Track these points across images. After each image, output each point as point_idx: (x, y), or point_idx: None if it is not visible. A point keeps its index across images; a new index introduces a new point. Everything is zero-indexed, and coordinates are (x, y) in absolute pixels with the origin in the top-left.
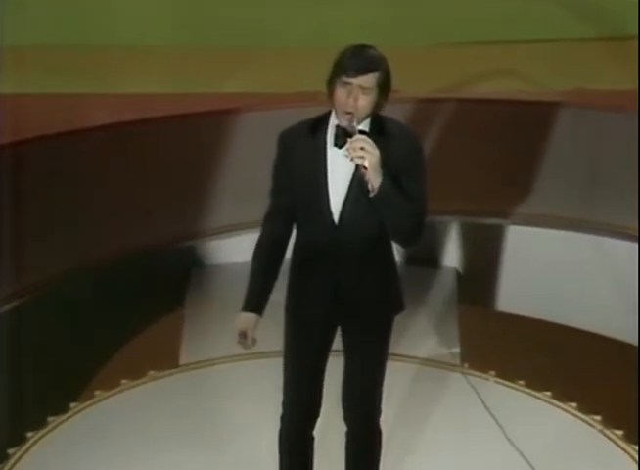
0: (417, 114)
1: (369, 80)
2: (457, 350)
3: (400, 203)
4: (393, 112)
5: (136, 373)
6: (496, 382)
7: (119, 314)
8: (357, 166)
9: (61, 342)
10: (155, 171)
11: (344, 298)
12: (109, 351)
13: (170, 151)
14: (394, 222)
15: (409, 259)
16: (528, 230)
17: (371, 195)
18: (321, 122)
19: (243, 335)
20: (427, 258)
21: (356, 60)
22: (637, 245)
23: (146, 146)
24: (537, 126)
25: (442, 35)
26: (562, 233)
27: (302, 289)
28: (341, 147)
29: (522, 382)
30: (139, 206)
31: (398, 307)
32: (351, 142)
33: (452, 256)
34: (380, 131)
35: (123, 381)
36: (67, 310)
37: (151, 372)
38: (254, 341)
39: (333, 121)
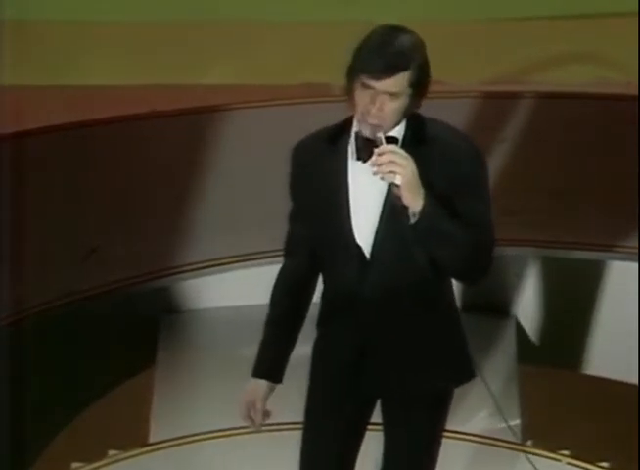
0: (465, 113)
1: (397, 83)
2: (517, 421)
3: (453, 230)
4: (431, 110)
5: (92, 454)
6: (570, 465)
7: (69, 377)
8: (390, 185)
9: None
10: (107, 189)
11: (379, 361)
12: (55, 425)
13: (133, 163)
14: (447, 256)
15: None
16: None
17: (411, 221)
18: (342, 130)
19: (251, 407)
20: (484, 304)
21: (380, 56)
22: None
23: (102, 155)
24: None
25: (500, 8)
26: None
27: (325, 348)
28: (365, 160)
29: (605, 464)
30: (85, 238)
31: (462, 376)
32: (377, 154)
33: (519, 301)
34: (419, 137)
35: (75, 465)
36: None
37: (111, 452)
38: (267, 414)
39: (355, 129)
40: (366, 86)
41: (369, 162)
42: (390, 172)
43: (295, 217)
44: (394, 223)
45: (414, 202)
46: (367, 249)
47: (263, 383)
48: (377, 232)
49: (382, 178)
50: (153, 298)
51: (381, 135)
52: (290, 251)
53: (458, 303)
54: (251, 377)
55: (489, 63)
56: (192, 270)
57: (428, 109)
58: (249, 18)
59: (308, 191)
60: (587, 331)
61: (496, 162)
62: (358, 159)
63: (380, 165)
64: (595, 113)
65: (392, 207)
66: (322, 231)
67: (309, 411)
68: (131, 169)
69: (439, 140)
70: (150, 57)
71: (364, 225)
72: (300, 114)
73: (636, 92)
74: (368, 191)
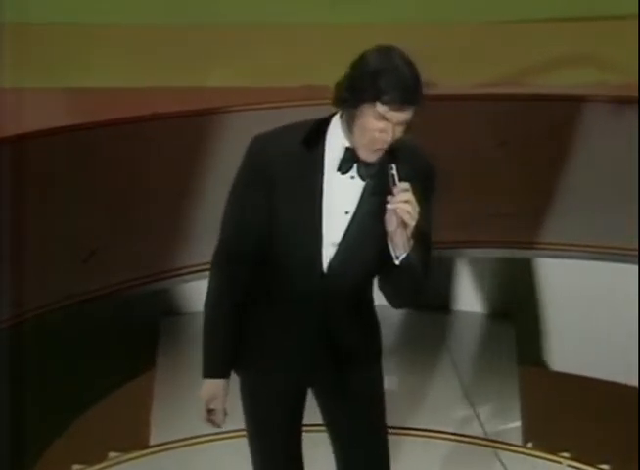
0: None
1: (411, 112)
2: (517, 423)
3: (419, 277)
4: (431, 113)
5: (92, 456)
6: (571, 467)
7: (69, 380)
8: (362, 203)
9: None
10: (107, 191)
11: (329, 356)
12: (55, 427)
13: (134, 165)
14: (403, 295)
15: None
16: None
17: (397, 262)
18: (318, 135)
19: (210, 408)
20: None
21: (401, 88)
22: None
23: (103, 157)
24: (619, 132)
25: (500, 10)
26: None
27: (271, 351)
28: (344, 173)
29: (606, 467)
30: (85, 239)
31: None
32: (398, 192)
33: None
34: (387, 153)
35: (75, 467)
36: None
37: (112, 455)
38: (226, 413)
39: (338, 139)
40: (381, 116)
41: (390, 199)
42: (407, 213)
43: (242, 219)
44: (356, 240)
45: (408, 243)
46: (326, 260)
47: (220, 382)
48: (340, 244)
49: (395, 212)
50: (153, 300)
51: (394, 172)
52: (232, 252)
53: None
54: (204, 379)
55: (489, 65)
56: (192, 272)
57: (427, 111)
58: (248, 20)
59: (275, 193)
60: (584, 332)
61: (496, 164)
62: (339, 170)
63: (398, 202)
64: (594, 114)
65: (358, 225)
66: (285, 238)
67: (256, 413)
68: (132, 171)
69: (403, 156)
70: (150, 59)
71: (331, 243)
72: (300, 116)
73: (636, 94)
74: (338, 204)
